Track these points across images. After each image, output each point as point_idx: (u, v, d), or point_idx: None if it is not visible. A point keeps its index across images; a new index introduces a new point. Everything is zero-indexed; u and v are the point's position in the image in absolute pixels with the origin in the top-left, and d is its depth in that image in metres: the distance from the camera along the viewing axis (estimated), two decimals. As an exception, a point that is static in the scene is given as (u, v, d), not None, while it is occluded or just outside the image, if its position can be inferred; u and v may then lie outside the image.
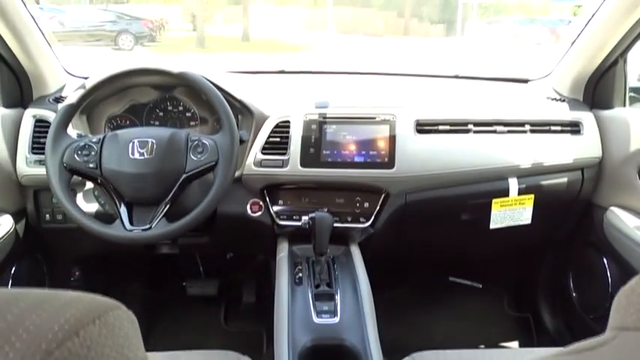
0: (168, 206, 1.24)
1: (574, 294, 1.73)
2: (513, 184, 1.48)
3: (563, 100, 1.58)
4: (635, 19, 1.31)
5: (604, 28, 1.39)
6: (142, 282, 2.05)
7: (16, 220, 1.43)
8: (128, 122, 1.53)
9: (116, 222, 1.23)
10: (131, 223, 1.23)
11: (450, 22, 20.55)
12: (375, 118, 1.43)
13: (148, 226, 1.21)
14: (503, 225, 1.52)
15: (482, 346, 1.89)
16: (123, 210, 1.23)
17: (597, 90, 1.55)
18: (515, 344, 1.89)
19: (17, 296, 0.33)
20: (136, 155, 1.22)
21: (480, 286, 2.08)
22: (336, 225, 1.37)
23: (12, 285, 1.48)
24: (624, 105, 1.52)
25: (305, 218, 1.38)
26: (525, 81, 1.79)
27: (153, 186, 1.23)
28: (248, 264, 2.04)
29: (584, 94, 1.58)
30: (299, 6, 23.15)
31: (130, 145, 1.23)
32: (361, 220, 1.47)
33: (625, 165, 1.44)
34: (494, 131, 1.47)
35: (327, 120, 1.43)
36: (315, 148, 1.42)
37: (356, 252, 1.42)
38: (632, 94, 1.52)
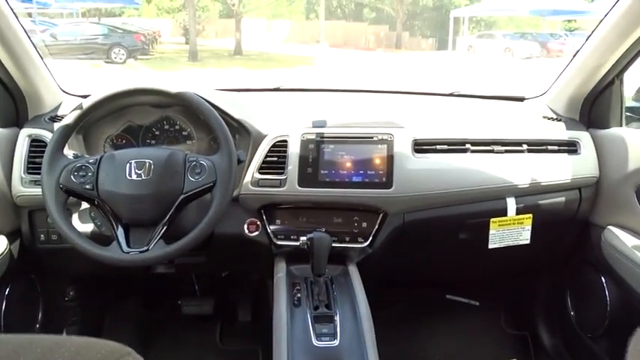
0: (165, 227, 1.22)
1: (572, 313, 1.72)
2: (511, 204, 1.48)
3: (560, 120, 1.59)
4: (633, 40, 1.32)
5: (601, 48, 1.40)
6: (137, 301, 2.03)
7: (11, 241, 1.41)
8: (125, 142, 1.51)
9: (113, 244, 1.21)
10: (128, 245, 1.21)
11: (441, 35, 20.75)
12: (372, 137, 1.42)
13: (145, 248, 1.20)
14: (502, 245, 1.52)
15: None
16: (120, 232, 1.22)
17: (594, 109, 1.56)
18: None
19: (26, 345, 0.32)
20: (134, 176, 1.21)
21: (478, 303, 2.07)
22: (334, 245, 1.37)
23: (6, 306, 1.45)
24: (621, 124, 1.53)
25: (303, 238, 1.37)
26: (521, 99, 1.80)
27: (150, 207, 1.21)
28: (244, 283, 2.02)
29: (581, 113, 1.59)
30: (291, 20, 23.31)
31: (127, 166, 1.22)
32: (359, 240, 1.46)
33: (622, 184, 1.45)
34: (492, 151, 1.47)
35: (325, 139, 1.42)
36: (312, 167, 1.41)
37: (354, 272, 1.41)
38: (628, 113, 1.52)
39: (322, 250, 1.31)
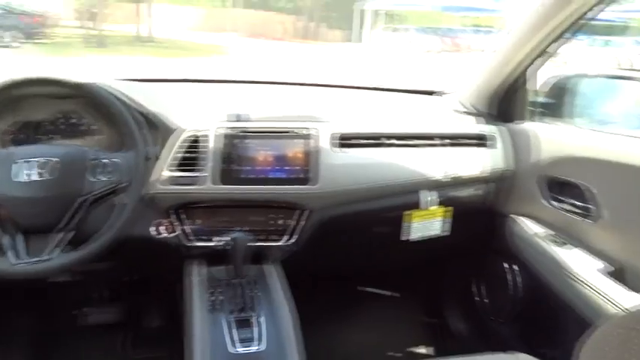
0: (68, 233, 1.11)
1: (485, 300, 1.80)
2: (428, 197, 1.50)
3: (474, 114, 1.63)
4: (542, 35, 1.37)
5: (512, 44, 1.45)
6: (31, 313, 1.83)
7: None
8: (17, 138, 1.35)
9: (8, 254, 1.08)
10: (27, 253, 1.08)
11: (352, 27, 21.10)
12: (296, 132, 1.37)
13: (47, 257, 1.08)
14: (419, 236, 1.55)
15: (400, 354, 1.92)
16: (15, 240, 1.09)
17: (506, 104, 1.61)
18: (432, 351, 1.93)
19: None
20: (30, 177, 1.08)
21: (398, 295, 2.10)
22: (257, 244, 1.32)
23: None
24: (531, 119, 1.59)
25: (222, 239, 1.31)
26: (437, 93, 1.83)
27: (49, 212, 1.10)
28: (156, 287, 1.90)
29: (494, 107, 1.64)
30: (204, 7, 22.72)
31: (22, 165, 1.09)
32: (284, 237, 1.42)
33: (531, 176, 1.51)
34: (412, 145, 1.48)
35: (245, 134, 1.35)
36: (232, 164, 1.33)
37: (278, 271, 1.37)
38: (539, 108, 1.58)
39: (243, 251, 1.26)
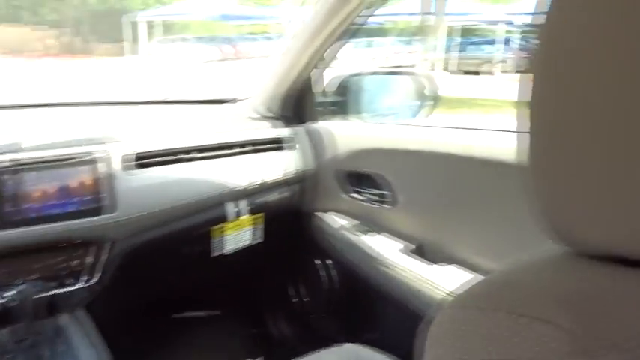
0: None
1: (305, 299, 1.83)
2: (237, 207, 1.48)
3: (270, 118, 1.64)
4: (321, 40, 1.45)
5: (296, 48, 1.50)
6: None
7: None
8: None
9: None
10: None
11: (120, 41, 20.02)
12: (80, 157, 1.20)
13: None
14: (232, 248, 1.51)
15: None
16: None
17: (299, 106, 1.66)
18: None
19: None
20: None
21: (220, 312, 2.03)
22: (52, 293, 1.14)
23: None
24: (324, 118, 1.67)
25: (3, 294, 1.09)
26: (230, 101, 1.80)
27: None
28: None
29: (287, 110, 1.67)
30: None
31: None
32: (81, 279, 1.24)
33: (331, 173, 1.59)
34: (211, 157, 1.43)
35: (17, 167, 1.12)
36: (4, 204, 1.10)
37: (81, 318, 1.20)
38: (330, 107, 1.66)
39: (32, 305, 1.07)
